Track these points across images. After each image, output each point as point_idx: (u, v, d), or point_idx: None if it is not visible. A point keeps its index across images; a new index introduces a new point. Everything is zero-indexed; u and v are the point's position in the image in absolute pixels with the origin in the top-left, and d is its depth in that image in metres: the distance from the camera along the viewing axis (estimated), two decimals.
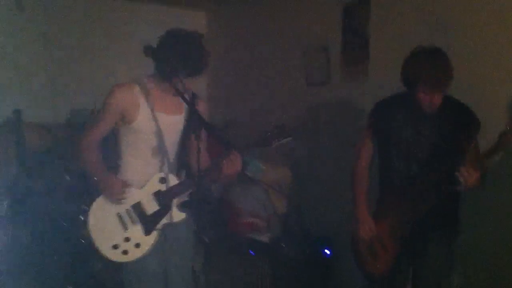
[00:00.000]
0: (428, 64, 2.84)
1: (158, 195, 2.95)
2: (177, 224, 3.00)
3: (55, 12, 5.72)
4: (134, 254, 2.92)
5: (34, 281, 4.02)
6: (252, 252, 4.11)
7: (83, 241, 4.06)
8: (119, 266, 2.97)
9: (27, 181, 4.60)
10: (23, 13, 5.42)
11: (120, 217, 2.94)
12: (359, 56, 4.65)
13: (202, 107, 3.08)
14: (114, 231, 2.93)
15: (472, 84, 3.51)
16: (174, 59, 2.79)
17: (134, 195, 2.97)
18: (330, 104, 4.91)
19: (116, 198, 2.91)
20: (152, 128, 2.92)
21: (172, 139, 2.99)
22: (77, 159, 3.04)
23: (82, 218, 4.02)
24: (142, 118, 2.91)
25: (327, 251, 4.18)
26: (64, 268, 4.16)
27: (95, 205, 2.97)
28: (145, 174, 2.96)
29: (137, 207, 2.97)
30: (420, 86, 2.87)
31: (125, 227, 2.94)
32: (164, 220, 2.96)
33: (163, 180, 2.95)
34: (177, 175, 2.98)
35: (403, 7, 4.23)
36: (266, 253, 4.19)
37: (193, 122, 2.78)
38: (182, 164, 3.02)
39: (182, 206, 2.99)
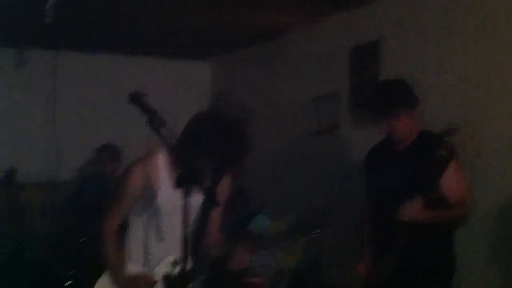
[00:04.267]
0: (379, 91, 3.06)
1: (168, 280, 2.60)
2: None
3: (60, 68, 5.68)
4: None
5: None
6: None
7: None
8: None
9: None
10: (22, 68, 5.37)
11: None
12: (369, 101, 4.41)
13: (224, 187, 2.65)
14: None
15: None
16: (202, 154, 2.42)
17: None
18: (339, 151, 4.65)
19: None
20: (171, 208, 2.57)
21: (188, 218, 2.66)
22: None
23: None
24: (162, 198, 2.61)
25: None
26: None
27: (101, 280, 2.66)
28: (156, 254, 2.65)
29: None
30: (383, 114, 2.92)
31: None
32: None
33: (175, 264, 2.59)
34: (191, 258, 2.57)
35: (413, 46, 4.03)
36: None
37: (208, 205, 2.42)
38: (197, 246, 2.66)
39: None
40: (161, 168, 2.63)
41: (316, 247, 4.56)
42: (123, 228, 2.72)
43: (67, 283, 3.90)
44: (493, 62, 3.49)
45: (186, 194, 2.19)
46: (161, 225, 2.64)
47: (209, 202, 2.33)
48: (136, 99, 2.34)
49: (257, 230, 4.30)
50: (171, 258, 2.62)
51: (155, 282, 2.62)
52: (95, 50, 5.77)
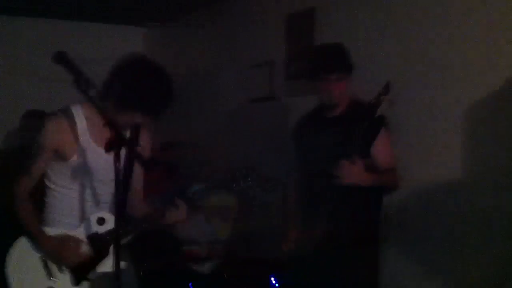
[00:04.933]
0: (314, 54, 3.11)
1: (94, 239, 2.53)
2: (111, 273, 2.49)
3: None
4: None
5: None
6: (191, 286, 3.71)
7: None
8: None
9: None
10: None
11: (44, 261, 2.52)
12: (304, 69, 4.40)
13: (144, 140, 2.65)
14: (36, 279, 2.48)
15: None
16: (130, 92, 2.39)
17: None
18: (275, 121, 4.63)
19: (53, 257, 2.50)
20: (90, 164, 2.52)
21: (110, 175, 2.48)
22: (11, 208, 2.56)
23: None
24: (80, 154, 2.50)
25: (273, 280, 3.83)
26: None
27: (17, 245, 2.53)
28: (78, 214, 2.55)
29: None
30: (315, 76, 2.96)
31: (49, 274, 2.51)
32: (99, 269, 2.53)
33: (101, 221, 2.54)
34: (116, 216, 2.48)
35: (349, 14, 4.01)
36: (206, 285, 3.80)
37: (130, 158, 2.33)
38: (121, 203, 2.57)
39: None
40: (79, 122, 2.52)
41: (246, 219, 4.61)
42: (38, 190, 2.58)
43: None
44: (427, 31, 3.52)
45: (115, 157, 2.15)
46: (82, 183, 2.54)
47: (131, 156, 2.26)
48: (60, 58, 2.21)
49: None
50: (96, 216, 2.54)
51: (80, 242, 2.51)
52: (26, 13, 5.52)
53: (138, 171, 2.66)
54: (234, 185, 2.58)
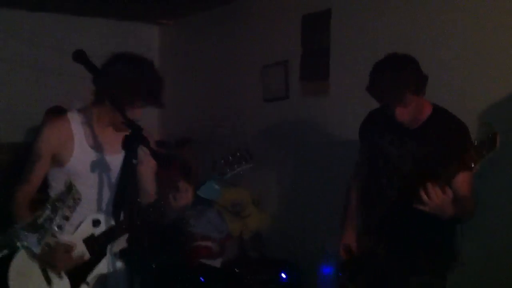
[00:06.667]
0: (378, 74, 2.53)
1: (89, 241, 2.52)
2: (111, 275, 2.55)
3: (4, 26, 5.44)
4: None
5: None
6: (202, 279, 3.72)
7: None
8: None
9: None
10: None
11: (44, 270, 2.48)
12: (319, 69, 4.41)
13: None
14: None
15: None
16: (131, 85, 2.42)
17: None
18: (289, 121, 4.65)
19: (48, 265, 2.47)
20: (87, 169, 2.53)
21: (110, 178, 2.59)
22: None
23: None
24: (77, 159, 2.53)
25: (283, 275, 3.84)
26: None
27: (16, 259, 2.47)
28: (77, 218, 2.49)
29: None
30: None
31: (49, 283, 2.48)
32: (97, 272, 2.53)
33: (96, 223, 2.53)
34: (114, 216, 2.49)
35: (364, 15, 4.02)
36: (217, 279, 3.81)
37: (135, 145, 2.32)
38: (120, 203, 2.45)
39: (120, 255, 2.56)
40: (75, 127, 2.56)
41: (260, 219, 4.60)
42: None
43: None
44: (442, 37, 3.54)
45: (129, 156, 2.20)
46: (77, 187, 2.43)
47: (131, 154, 2.25)
48: (80, 57, 2.28)
49: (207, 196, 4.25)
50: (91, 219, 2.54)
51: (74, 247, 2.49)
52: (41, 9, 5.54)
53: (149, 172, 2.68)
54: (235, 166, 2.55)
